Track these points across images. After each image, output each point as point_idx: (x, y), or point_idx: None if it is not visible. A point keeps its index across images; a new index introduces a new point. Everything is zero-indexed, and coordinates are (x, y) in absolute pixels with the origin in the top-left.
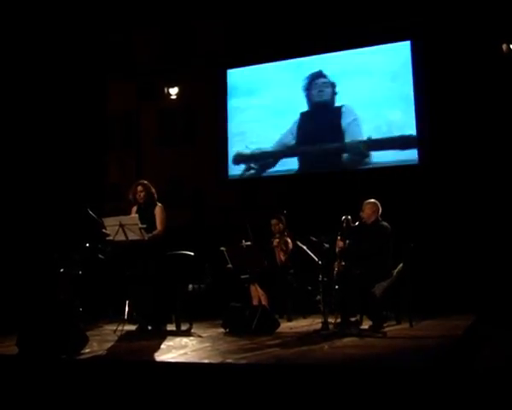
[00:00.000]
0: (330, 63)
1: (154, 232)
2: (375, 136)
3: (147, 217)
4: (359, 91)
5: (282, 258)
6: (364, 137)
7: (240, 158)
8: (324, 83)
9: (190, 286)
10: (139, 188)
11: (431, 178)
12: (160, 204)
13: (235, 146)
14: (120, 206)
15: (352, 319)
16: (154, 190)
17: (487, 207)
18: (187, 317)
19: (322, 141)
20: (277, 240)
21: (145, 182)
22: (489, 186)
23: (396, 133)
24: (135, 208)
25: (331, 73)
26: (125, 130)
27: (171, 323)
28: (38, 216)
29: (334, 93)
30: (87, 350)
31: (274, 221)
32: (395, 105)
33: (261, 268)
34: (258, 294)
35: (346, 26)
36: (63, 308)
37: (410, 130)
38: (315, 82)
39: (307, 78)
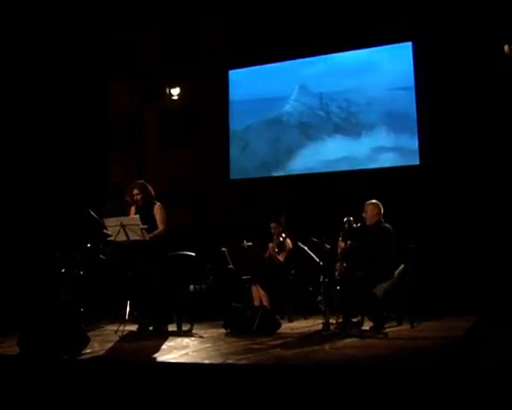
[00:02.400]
0: (331, 64)
1: (156, 232)
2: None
3: (147, 217)
4: (359, 92)
5: (280, 258)
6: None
7: None
8: None
9: (192, 286)
10: (135, 191)
11: (432, 179)
12: (158, 203)
13: None
14: (122, 206)
15: (354, 320)
16: (150, 188)
17: (488, 208)
18: (188, 317)
19: None
20: (271, 245)
21: (141, 182)
22: (490, 187)
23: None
24: (133, 209)
25: (333, 73)
26: (127, 130)
27: (172, 323)
28: (40, 216)
29: None
30: (88, 350)
31: (273, 225)
32: (396, 105)
33: (262, 268)
34: (259, 294)
35: (348, 26)
36: (64, 308)
37: (411, 131)
38: None
39: None
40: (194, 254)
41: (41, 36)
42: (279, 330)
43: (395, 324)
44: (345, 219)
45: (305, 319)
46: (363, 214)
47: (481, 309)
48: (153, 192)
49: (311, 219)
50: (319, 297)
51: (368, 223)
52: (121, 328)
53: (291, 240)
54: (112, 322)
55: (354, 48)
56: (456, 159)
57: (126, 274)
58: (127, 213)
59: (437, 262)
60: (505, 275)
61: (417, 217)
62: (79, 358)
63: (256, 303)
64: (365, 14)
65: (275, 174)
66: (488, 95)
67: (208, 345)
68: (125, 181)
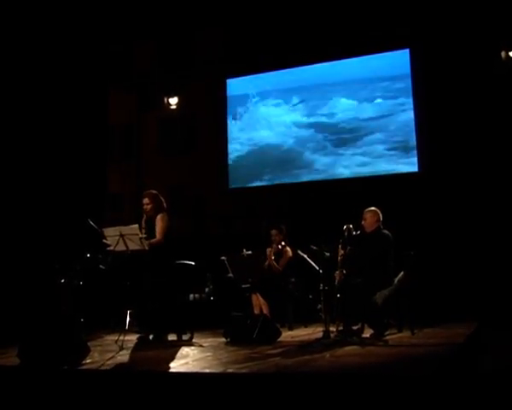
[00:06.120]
0: (329, 71)
1: (152, 240)
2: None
3: (152, 227)
4: (357, 99)
5: (279, 268)
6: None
7: None
8: None
9: (191, 295)
10: (145, 200)
11: (431, 186)
12: (161, 213)
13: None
14: (121, 216)
15: (354, 328)
16: (162, 199)
17: (487, 214)
18: (188, 326)
19: None
20: (269, 249)
21: (152, 192)
22: (488, 194)
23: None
24: (144, 217)
25: (331, 81)
26: (126, 140)
27: (172, 333)
28: (39, 227)
29: None
30: (88, 361)
31: (273, 232)
32: (394, 113)
33: (262, 277)
34: (259, 303)
35: (345, 34)
36: (64, 319)
37: (410, 138)
38: None
39: None
40: (193, 263)
41: (40, 47)
42: (279, 339)
43: (395, 331)
44: (344, 227)
45: (306, 327)
46: (363, 222)
47: (482, 316)
48: (164, 204)
49: (311, 227)
50: (319, 305)
51: (367, 230)
52: (121, 338)
53: (291, 248)
54: (112, 332)
55: (352, 55)
56: (455, 165)
57: (126, 284)
58: (139, 222)
59: (437, 269)
60: (505, 281)
61: (417, 224)
62: (80, 368)
63: (256, 312)
64: (363, 21)
65: (274, 182)
66: (486, 101)
67: (208, 354)
68: (124, 191)
